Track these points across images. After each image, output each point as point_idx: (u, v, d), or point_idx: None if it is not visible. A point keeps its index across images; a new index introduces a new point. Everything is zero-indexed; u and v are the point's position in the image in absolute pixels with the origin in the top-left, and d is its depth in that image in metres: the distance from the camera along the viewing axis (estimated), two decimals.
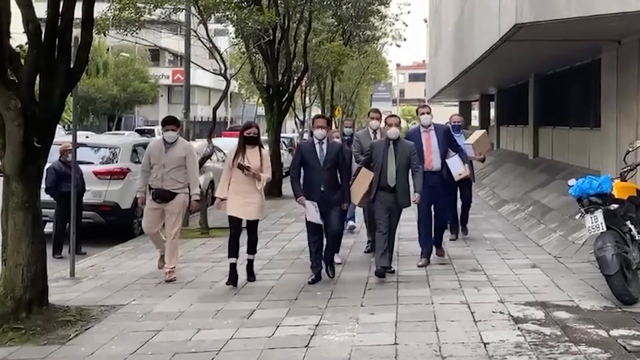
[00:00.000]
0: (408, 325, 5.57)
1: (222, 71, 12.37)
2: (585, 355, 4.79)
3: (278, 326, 5.65)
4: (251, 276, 7.32)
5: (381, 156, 7.25)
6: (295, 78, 17.25)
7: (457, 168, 8.32)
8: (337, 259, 7.87)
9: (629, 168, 7.25)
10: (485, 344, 5.05)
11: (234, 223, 7.14)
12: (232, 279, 7.08)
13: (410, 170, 7.34)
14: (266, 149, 7.78)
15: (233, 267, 7.12)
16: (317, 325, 5.67)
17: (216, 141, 19.08)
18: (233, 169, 7.09)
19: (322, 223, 7.22)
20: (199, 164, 11.69)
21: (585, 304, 6.08)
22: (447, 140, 8.20)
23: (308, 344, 5.22)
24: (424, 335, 5.32)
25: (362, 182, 7.34)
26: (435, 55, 28.03)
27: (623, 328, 5.37)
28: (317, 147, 7.20)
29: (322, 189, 7.09)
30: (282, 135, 19.38)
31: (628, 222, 6.48)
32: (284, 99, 16.27)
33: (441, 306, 6.06)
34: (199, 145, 14.96)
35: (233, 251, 7.14)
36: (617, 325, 5.41)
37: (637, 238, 6.48)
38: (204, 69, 15.39)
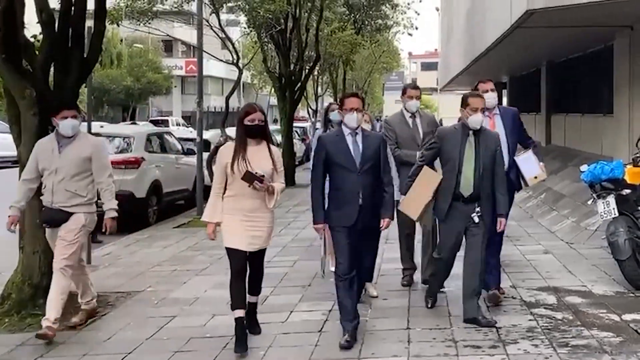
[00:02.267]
0: (420, 310, 5.57)
1: (235, 61, 12.39)
2: (597, 339, 4.77)
3: (292, 312, 5.67)
4: (256, 327, 5.14)
5: (457, 152, 5.16)
6: (307, 67, 17.25)
7: (532, 169, 5.82)
8: (373, 291, 6.04)
9: None
10: (497, 328, 5.05)
11: (237, 257, 4.84)
12: (242, 341, 4.78)
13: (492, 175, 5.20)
14: (275, 145, 5.61)
15: (240, 323, 4.85)
16: (330, 310, 5.68)
17: (229, 130, 19.17)
18: (231, 177, 4.80)
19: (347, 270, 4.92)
20: (212, 153, 11.85)
21: (597, 289, 6.06)
22: (518, 130, 5.88)
23: (321, 329, 5.24)
24: (434, 318, 5.33)
25: (424, 186, 5.26)
26: (447, 44, 27.86)
27: (635, 312, 5.34)
28: (349, 139, 4.95)
29: (360, 202, 4.86)
30: (294, 125, 19.37)
31: None
32: (296, 88, 16.27)
33: (453, 290, 6.04)
34: (212, 134, 15.05)
35: (239, 299, 4.87)
36: (629, 310, 5.38)
37: None
38: (216, 58, 15.45)
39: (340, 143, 4.97)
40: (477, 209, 5.13)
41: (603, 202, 6.28)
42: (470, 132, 5.17)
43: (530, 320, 5.24)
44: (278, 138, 17.31)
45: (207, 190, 11.80)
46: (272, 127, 23.17)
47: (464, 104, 5.19)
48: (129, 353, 4.89)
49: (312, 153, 6.57)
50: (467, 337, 4.92)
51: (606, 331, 4.93)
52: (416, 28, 28.56)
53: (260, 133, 4.88)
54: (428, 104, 61.79)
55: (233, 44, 12.64)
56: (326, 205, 4.98)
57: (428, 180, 5.26)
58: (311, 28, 17.08)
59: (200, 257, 8.06)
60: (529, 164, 5.81)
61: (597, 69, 13.84)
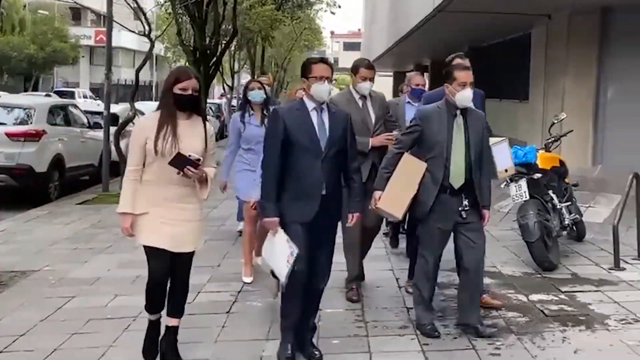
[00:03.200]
0: (328, 292, 5.62)
1: (146, 32, 12.07)
2: (504, 319, 4.97)
3: (199, 292, 5.60)
4: (174, 355, 4.18)
5: (444, 135, 4.53)
6: (224, 42, 17.01)
7: (505, 160, 5.17)
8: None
9: (553, 139, 7.53)
10: (408, 309, 5.16)
11: (158, 259, 4.03)
12: (151, 347, 4.20)
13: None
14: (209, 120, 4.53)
15: (153, 328, 4.22)
16: (240, 292, 5.67)
17: (140, 105, 18.69)
18: (153, 157, 3.96)
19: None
20: (120, 128, 11.54)
21: (506, 270, 6.31)
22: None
23: (229, 310, 5.22)
24: (343, 301, 5.40)
25: (408, 178, 4.59)
26: (371, 24, 28.17)
27: (542, 293, 5.60)
28: (314, 116, 4.19)
29: (323, 192, 4.13)
30: (208, 101, 19.14)
31: (550, 192, 6.73)
32: (211, 63, 16.03)
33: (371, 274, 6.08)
34: (121, 108, 14.64)
35: (156, 303, 4.18)
36: (536, 291, 5.64)
37: (558, 207, 6.75)
38: (128, 29, 14.97)
39: (302, 120, 4.15)
40: (465, 202, 4.54)
41: (515, 186, 6.52)
42: (458, 111, 4.55)
43: (441, 300, 5.39)
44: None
45: (113, 166, 11.63)
46: None
47: (449, 78, 4.57)
48: (22, 335, 4.71)
49: (230, 133, 6.55)
50: (377, 317, 5.02)
51: (513, 311, 5.14)
52: (339, 7, 28.75)
53: (194, 105, 4.07)
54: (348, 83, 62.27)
55: (145, 15, 12.29)
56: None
57: (411, 170, 4.58)
58: (229, 1, 16.83)
59: (104, 235, 7.85)
60: (503, 154, 5.13)
61: (515, 56, 14.36)
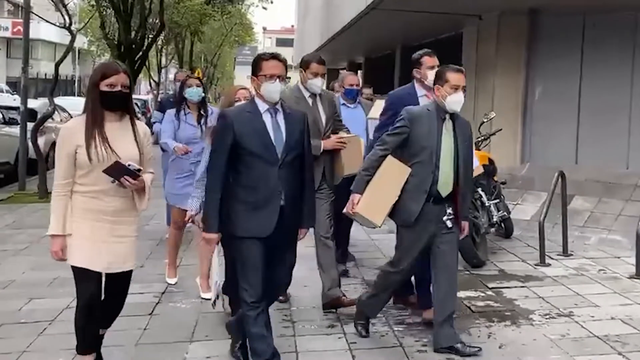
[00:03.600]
0: None
1: (67, 24, 11.78)
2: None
3: None
4: None
5: (434, 140, 4.33)
6: (151, 36, 16.77)
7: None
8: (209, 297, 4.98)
9: (482, 138, 7.77)
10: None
11: (88, 281, 3.65)
12: None
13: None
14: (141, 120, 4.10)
15: None
16: (163, 293, 5.60)
17: (60, 100, 18.22)
18: (86, 167, 3.60)
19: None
20: (38, 124, 11.21)
21: None
22: None
23: (152, 311, 5.15)
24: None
25: (390, 183, 4.37)
26: (304, 20, 28.23)
27: (470, 290, 5.76)
28: (268, 119, 3.88)
29: (281, 202, 3.85)
30: (134, 97, 18.81)
31: (479, 189, 6.92)
32: (136, 58, 15.78)
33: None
34: (40, 103, 14.22)
35: (89, 339, 3.80)
36: (464, 287, 5.76)
37: (486, 204, 6.96)
38: (47, 21, 14.57)
39: (254, 123, 3.83)
40: (449, 211, 4.38)
41: None
42: (447, 116, 4.36)
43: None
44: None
45: (30, 163, 11.27)
46: None
47: (441, 80, 4.35)
48: None
49: (164, 124, 5.99)
50: (305, 317, 5.04)
51: None
52: (271, 2, 28.77)
53: (123, 104, 3.69)
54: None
55: (65, 6, 11.98)
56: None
57: (394, 175, 4.34)
58: None
59: (20, 236, 7.61)
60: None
61: (447, 56, 14.59)
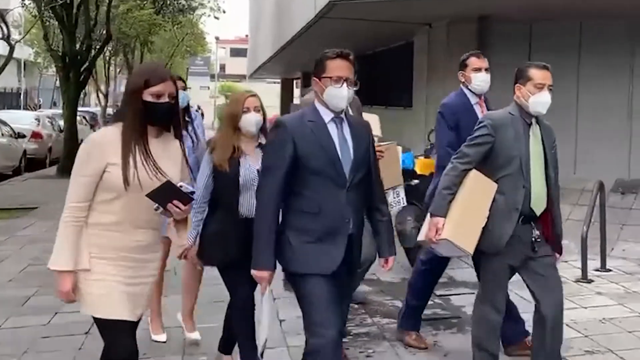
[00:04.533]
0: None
1: (5, 35, 11.66)
2: (378, 326, 5.17)
3: (56, 313, 5.46)
4: None
5: (523, 149, 3.76)
6: (97, 47, 16.65)
7: None
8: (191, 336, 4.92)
9: (432, 145, 7.91)
10: (281, 321, 5.24)
11: (121, 335, 3.01)
12: None
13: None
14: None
15: None
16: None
17: (4, 113, 17.98)
18: (114, 191, 2.95)
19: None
20: None
21: (385, 276, 6.51)
22: None
23: (88, 330, 5.04)
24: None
25: (478, 201, 3.75)
26: (256, 30, 28.30)
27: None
28: (333, 130, 3.28)
29: (350, 231, 3.26)
30: (80, 109, 18.63)
31: None
32: (82, 69, 15.65)
33: None
34: None
35: None
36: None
37: None
38: None
39: (319, 136, 3.22)
40: (537, 232, 3.80)
41: (393, 192, 6.77)
42: (533, 120, 3.82)
43: None
44: (61, 124, 16.59)
45: None
46: (56, 111, 21.77)
47: (523, 77, 3.80)
48: None
49: None
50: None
51: (388, 317, 5.35)
52: (224, 12, 28.80)
53: (170, 118, 3.05)
54: (237, 91, 62.32)
55: (3, 17, 11.86)
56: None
57: (481, 192, 3.75)
58: (103, 4, 16.48)
59: None
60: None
61: (399, 64, 14.89)
